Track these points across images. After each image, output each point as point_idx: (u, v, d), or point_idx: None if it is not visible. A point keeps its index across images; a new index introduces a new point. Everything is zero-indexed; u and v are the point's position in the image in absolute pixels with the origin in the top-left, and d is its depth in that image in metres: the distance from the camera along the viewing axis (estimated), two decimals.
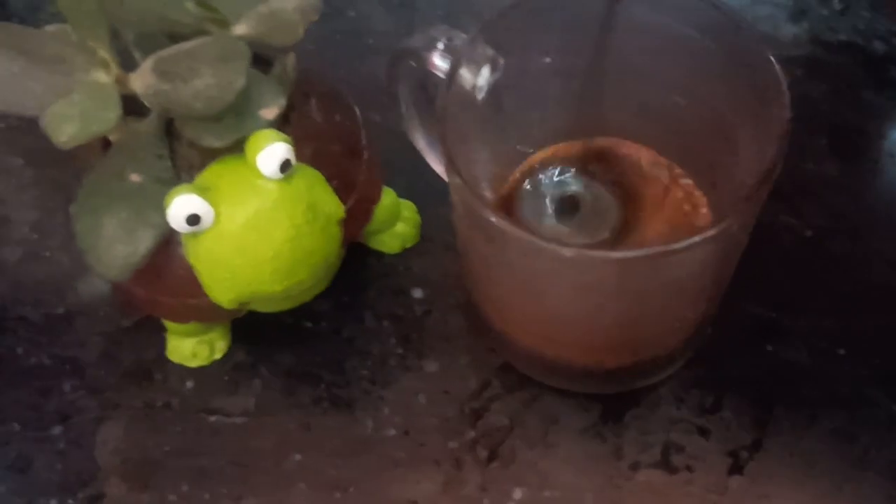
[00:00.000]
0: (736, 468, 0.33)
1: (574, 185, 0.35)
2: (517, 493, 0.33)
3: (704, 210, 0.34)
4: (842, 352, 0.35)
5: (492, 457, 0.34)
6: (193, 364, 0.36)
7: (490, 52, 0.30)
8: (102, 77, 0.28)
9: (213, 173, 0.29)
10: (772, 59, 0.28)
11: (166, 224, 0.28)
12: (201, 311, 0.31)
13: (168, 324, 0.35)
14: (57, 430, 0.35)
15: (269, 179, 0.28)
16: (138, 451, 0.34)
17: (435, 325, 0.36)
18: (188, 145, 0.29)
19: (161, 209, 0.27)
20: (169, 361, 0.36)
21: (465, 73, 0.29)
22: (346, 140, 0.33)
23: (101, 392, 0.36)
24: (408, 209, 0.38)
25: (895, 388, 0.34)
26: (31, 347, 0.37)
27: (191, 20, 0.28)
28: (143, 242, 0.28)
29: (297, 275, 0.30)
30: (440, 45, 0.30)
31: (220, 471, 0.34)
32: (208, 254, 0.29)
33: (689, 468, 0.33)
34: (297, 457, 0.34)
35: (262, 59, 0.30)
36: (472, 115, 0.30)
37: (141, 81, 0.28)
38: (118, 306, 0.37)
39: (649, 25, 0.30)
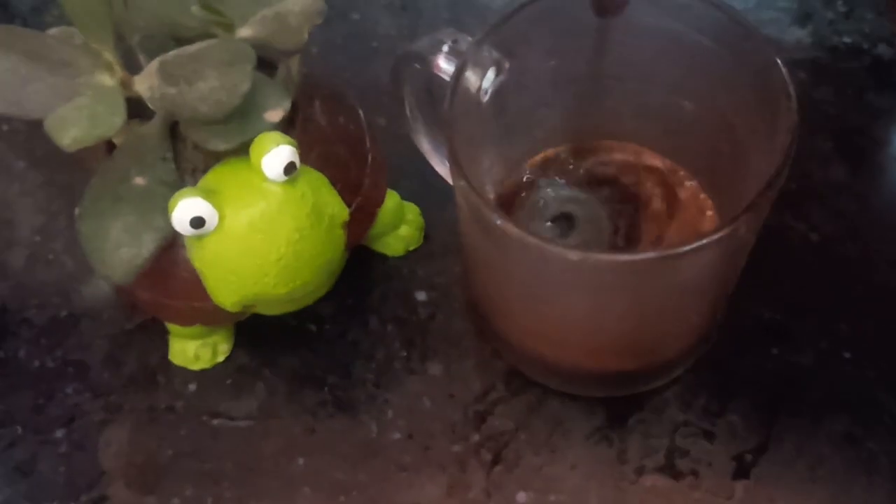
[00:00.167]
0: (741, 472, 0.33)
1: (569, 203, 0.34)
2: (522, 497, 0.33)
3: (710, 213, 0.33)
4: (848, 355, 0.35)
5: (496, 460, 0.33)
6: (196, 367, 0.36)
7: (495, 54, 0.30)
8: (107, 80, 0.28)
9: (217, 176, 0.29)
10: (779, 62, 0.28)
11: (170, 227, 0.27)
12: (205, 313, 0.31)
13: (171, 326, 0.35)
14: (60, 433, 0.35)
15: (273, 182, 0.28)
16: (142, 454, 0.34)
17: (439, 329, 0.36)
18: (192, 148, 0.29)
19: (165, 212, 0.27)
20: (173, 364, 0.36)
21: (470, 76, 0.29)
22: (350, 143, 0.33)
23: (104, 395, 0.35)
24: (412, 212, 0.38)
25: None
26: (34, 350, 0.37)
27: (196, 23, 0.28)
28: (148, 245, 0.28)
29: (301, 277, 0.30)
30: (445, 48, 0.30)
31: (224, 474, 0.34)
32: (212, 256, 0.29)
33: (694, 472, 0.33)
34: (302, 460, 0.34)
35: (266, 63, 0.30)
36: (477, 117, 0.30)
37: (146, 84, 0.28)
38: (122, 309, 0.37)
39: (655, 29, 0.30)
